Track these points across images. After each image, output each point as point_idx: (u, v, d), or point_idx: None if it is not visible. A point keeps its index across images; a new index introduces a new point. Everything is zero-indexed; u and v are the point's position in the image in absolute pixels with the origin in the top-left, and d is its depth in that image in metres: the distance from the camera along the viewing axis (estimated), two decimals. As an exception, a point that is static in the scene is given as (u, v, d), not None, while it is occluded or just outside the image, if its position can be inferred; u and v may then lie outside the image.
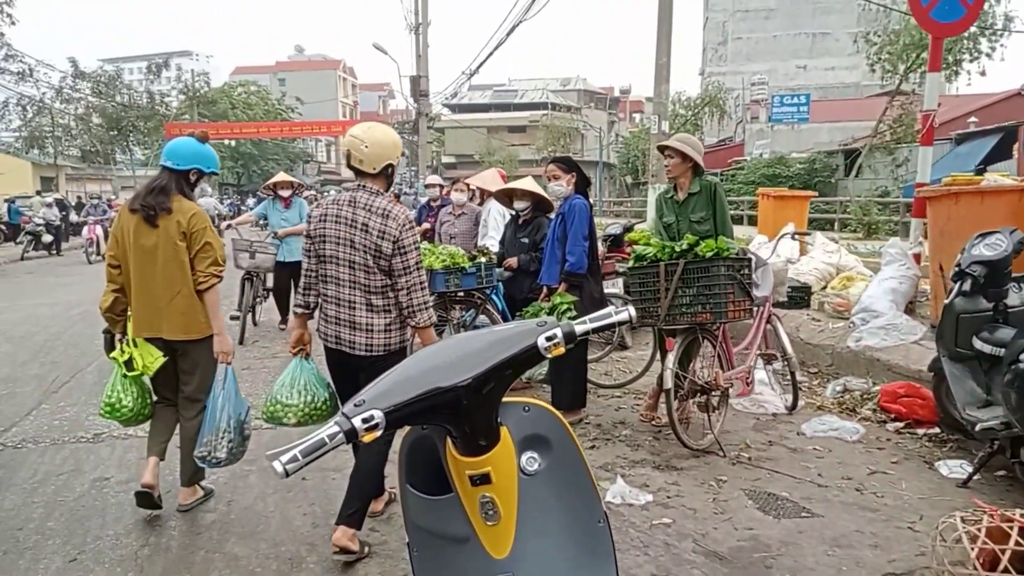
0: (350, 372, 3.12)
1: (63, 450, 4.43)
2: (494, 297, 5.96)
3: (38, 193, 25.32)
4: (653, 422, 4.80)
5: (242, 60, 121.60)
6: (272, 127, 38.83)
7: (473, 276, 5.53)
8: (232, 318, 7.20)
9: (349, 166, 3.08)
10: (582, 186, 5.05)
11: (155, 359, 3.35)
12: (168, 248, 3.27)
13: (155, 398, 3.56)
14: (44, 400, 5.51)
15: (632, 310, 1.57)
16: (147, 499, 3.36)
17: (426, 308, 3.07)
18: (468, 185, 7.29)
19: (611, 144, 51.18)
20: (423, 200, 16.98)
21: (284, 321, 8.12)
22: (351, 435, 1.25)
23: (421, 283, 3.05)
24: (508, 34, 20.03)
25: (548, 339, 1.40)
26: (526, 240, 5.80)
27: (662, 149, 4.60)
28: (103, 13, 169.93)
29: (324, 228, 3.05)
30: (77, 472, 4.07)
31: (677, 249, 4.10)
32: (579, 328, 1.47)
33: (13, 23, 15.90)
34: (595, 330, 1.51)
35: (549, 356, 1.42)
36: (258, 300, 8.09)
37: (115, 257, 3.36)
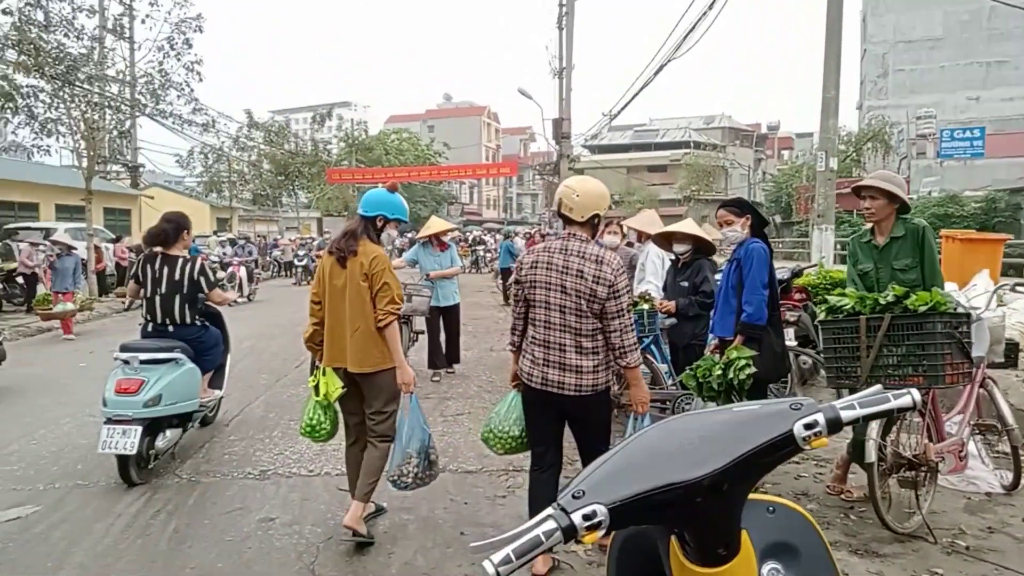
0: (550, 413, 3.31)
1: (232, 486, 4.55)
2: (653, 348, 5.63)
3: (214, 233, 27.89)
4: (842, 495, 4.23)
5: (396, 109, 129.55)
6: (421, 171, 40.66)
7: (636, 324, 5.22)
8: None
9: (559, 214, 3.27)
10: (759, 228, 4.64)
11: (336, 389, 3.65)
12: (353, 287, 3.60)
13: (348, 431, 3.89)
14: (215, 434, 5.76)
15: (916, 395, 1.22)
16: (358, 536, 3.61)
17: (636, 349, 3.19)
18: (622, 227, 7.04)
19: (760, 183, 49.19)
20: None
21: (435, 369, 7.91)
22: (569, 533, 1.02)
23: (632, 324, 3.18)
24: (656, 73, 19.73)
25: (807, 427, 1.11)
26: (686, 284, 5.49)
27: (859, 190, 4.10)
28: (275, 70, 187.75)
29: (535, 274, 3.22)
30: (244, 511, 4.13)
31: (881, 301, 3.60)
32: (846, 414, 1.15)
33: (200, 80, 17.50)
34: (866, 418, 1.18)
35: (808, 448, 1.12)
36: (411, 343, 8.10)
37: (316, 294, 3.77)
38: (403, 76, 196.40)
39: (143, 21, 16.98)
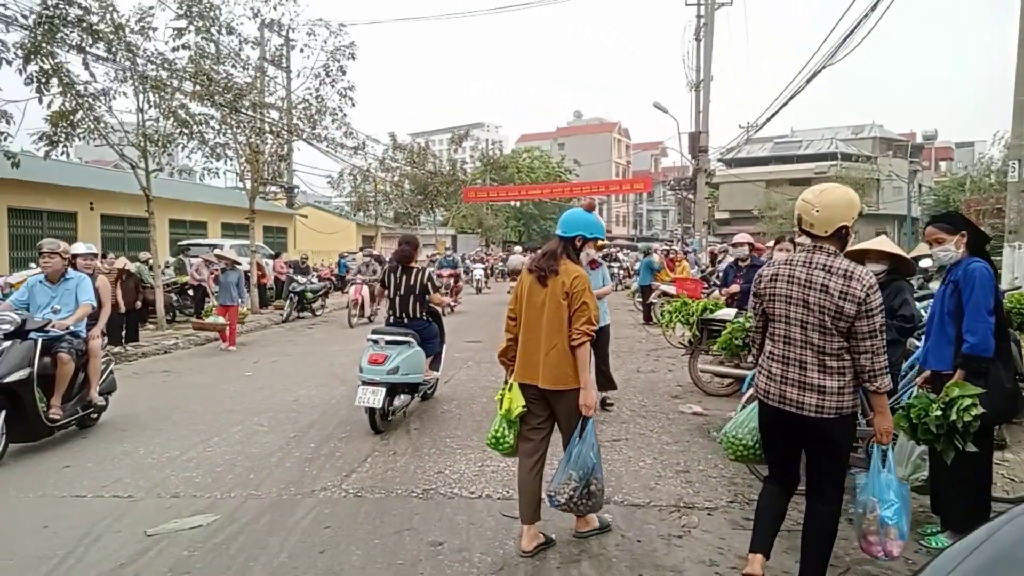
0: (787, 433, 3.14)
1: (397, 504, 4.48)
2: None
3: (360, 250, 29.25)
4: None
5: (527, 128, 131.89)
6: (553, 188, 40.78)
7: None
8: None
9: (801, 230, 3.09)
10: (978, 246, 4.03)
11: (518, 406, 3.70)
12: (553, 305, 3.65)
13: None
14: (377, 447, 5.77)
15: None
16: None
17: (886, 373, 2.95)
18: (794, 244, 6.49)
19: (917, 196, 45.40)
20: (709, 259, 16.13)
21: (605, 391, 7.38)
22: None
23: (884, 346, 2.95)
24: (808, 81, 18.62)
25: None
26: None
27: None
28: (416, 95, 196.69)
29: (775, 288, 3.11)
30: (412, 532, 4.02)
31: None
32: None
33: (353, 105, 18.39)
34: None
35: None
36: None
37: (513, 311, 3.87)
38: (534, 95, 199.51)
39: (301, 50, 18.10)
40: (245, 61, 16.64)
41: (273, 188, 27.58)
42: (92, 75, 12.99)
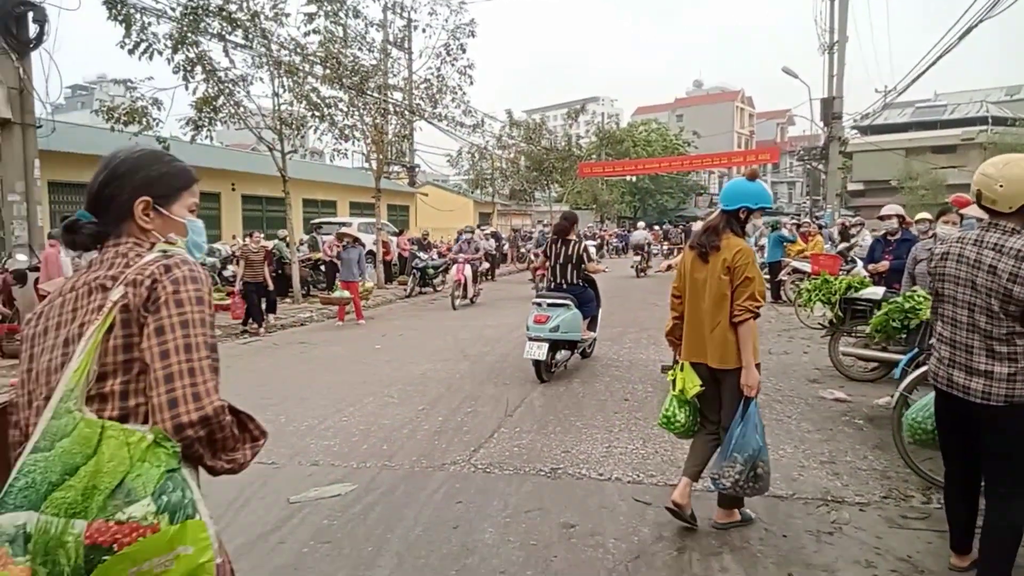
0: (959, 420, 3.00)
1: (526, 482, 4.45)
2: None
3: (478, 227, 29.65)
4: None
5: (644, 100, 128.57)
6: (672, 162, 39.58)
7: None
8: (665, 369, 6.74)
9: (980, 205, 2.89)
10: None
11: (693, 385, 3.64)
12: (714, 281, 3.54)
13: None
14: (503, 423, 5.79)
15: None
16: (677, 515, 3.65)
17: None
18: (961, 216, 5.86)
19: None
20: (855, 232, 15.05)
21: None
22: None
23: None
24: (960, 38, 16.92)
25: None
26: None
27: None
28: (533, 71, 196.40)
29: (944, 266, 2.99)
30: (543, 512, 3.98)
31: None
32: None
33: (472, 83, 18.51)
34: None
35: None
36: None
37: (677, 288, 3.81)
38: (651, 67, 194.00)
39: (423, 31, 18.38)
40: (371, 44, 17.09)
41: (396, 168, 28.40)
42: (232, 62, 13.79)
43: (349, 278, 12.52)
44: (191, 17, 12.55)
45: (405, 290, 17.31)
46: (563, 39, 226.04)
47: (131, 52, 12.13)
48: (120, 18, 11.75)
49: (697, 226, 20.34)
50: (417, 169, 30.81)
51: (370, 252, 18.66)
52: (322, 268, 16.48)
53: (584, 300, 7.66)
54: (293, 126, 15.49)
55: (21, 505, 1.27)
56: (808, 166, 48.01)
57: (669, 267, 6.91)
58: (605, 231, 39.55)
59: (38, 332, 1.52)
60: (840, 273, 10.07)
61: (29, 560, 1.25)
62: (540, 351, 7.03)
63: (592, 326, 8.07)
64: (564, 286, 7.59)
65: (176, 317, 1.41)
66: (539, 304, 7.32)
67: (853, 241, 14.02)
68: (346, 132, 16.89)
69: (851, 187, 51.44)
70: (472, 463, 4.83)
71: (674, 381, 3.75)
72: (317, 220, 21.61)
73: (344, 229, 14.22)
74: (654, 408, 6.16)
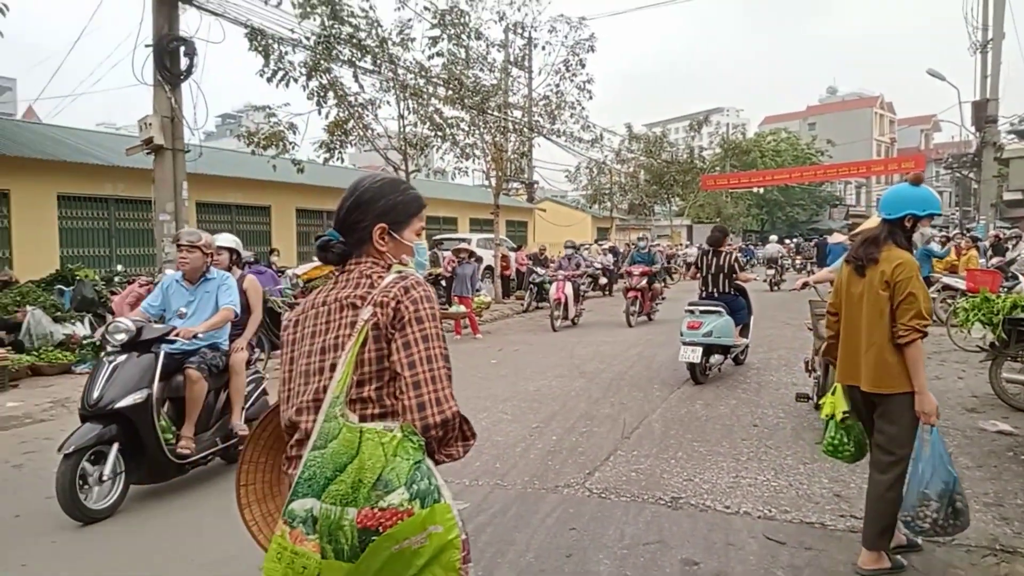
0: None
1: (644, 511, 4.18)
2: None
3: (595, 242, 29.37)
4: None
5: (771, 109, 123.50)
6: (804, 172, 37.65)
7: None
8: (800, 397, 6.25)
9: None
10: None
11: (839, 410, 3.43)
12: (871, 297, 3.26)
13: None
14: (619, 446, 5.53)
15: None
16: None
17: None
18: None
19: None
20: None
21: None
22: None
23: None
24: None
25: None
26: None
27: None
28: (654, 83, 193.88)
29: None
30: (663, 546, 3.70)
31: None
32: None
33: (591, 98, 18.39)
34: None
35: None
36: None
37: (834, 305, 3.57)
38: (780, 75, 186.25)
39: (543, 48, 18.47)
40: (491, 64, 17.37)
41: (515, 184, 28.70)
42: (361, 87, 14.42)
43: (463, 292, 12.66)
44: (324, 45, 13.22)
45: (522, 305, 17.33)
46: (686, 49, 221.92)
47: (269, 80, 12.93)
48: (260, 48, 12.56)
49: (833, 239, 19.08)
50: (536, 185, 30.99)
51: (488, 267, 18.88)
52: (442, 283, 16.81)
53: (736, 308, 8.02)
54: (417, 146, 15.97)
55: (307, 493, 1.57)
56: (957, 175, 44.14)
57: (805, 285, 6.22)
58: (729, 245, 38.09)
59: (297, 338, 1.82)
60: (1001, 290, 9.03)
61: (318, 538, 1.55)
62: (695, 355, 7.51)
63: (744, 332, 8.37)
64: (716, 295, 8.07)
65: (418, 333, 1.68)
66: (692, 311, 7.78)
67: (1014, 255, 12.61)
68: (467, 151, 17.23)
69: (1007, 196, 46.72)
70: (587, 487, 4.61)
71: (822, 405, 3.56)
72: (438, 236, 22.16)
73: (462, 245, 14.42)
74: (787, 436, 5.70)
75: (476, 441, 1.82)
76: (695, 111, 46.12)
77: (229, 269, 5.38)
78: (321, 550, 1.55)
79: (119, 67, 38.53)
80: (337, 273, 1.83)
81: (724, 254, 8.13)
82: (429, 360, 1.67)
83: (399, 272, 1.76)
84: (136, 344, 4.45)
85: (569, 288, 13.53)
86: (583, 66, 18.07)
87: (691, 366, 7.65)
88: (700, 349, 7.53)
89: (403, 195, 1.89)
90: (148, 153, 10.53)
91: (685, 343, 7.61)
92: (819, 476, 4.73)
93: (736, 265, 8.08)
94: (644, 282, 13.65)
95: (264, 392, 5.58)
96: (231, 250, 5.56)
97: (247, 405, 5.26)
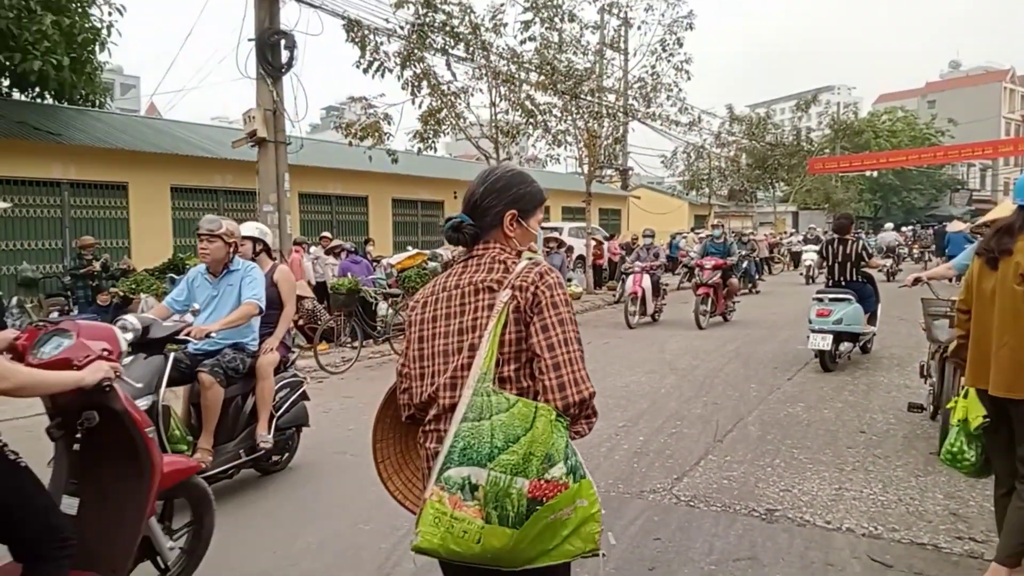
0: None
1: (736, 523, 3.93)
2: None
3: (691, 230, 28.49)
4: None
5: (887, 87, 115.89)
6: (921, 153, 35.08)
7: None
8: (913, 407, 5.67)
9: None
10: None
11: (976, 416, 3.12)
12: (1004, 293, 2.98)
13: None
14: (711, 450, 5.25)
15: None
16: None
17: None
18: None
19: None
20: None
21: None
22: None
23: None
24: None
25: None
26: None
27: None
28: (758, 62, 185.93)
29: None
30: (755, 563, 3.44)
31: None
32: None
33: (688, 79, 17.70)
34: None
35: None
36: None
37: (964, 302, 3.28)
38: (896, 49, 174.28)
39: (639, 28, 17.96)
40: (585, 47, 17.04)
41: (609, 171, 28.21)
42: (453, 75, 14.45)
43: None
44: (418, 34, 13.34)
45: (614, 296, 17.01)
46: (793, 24, 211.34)
47: (365, 71, 13.16)
48: (356, 40, 12.80)
49: (953, 227, 17.63)
50: (630, 171, 30.35)
51: (580, 257, 18.63)
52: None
53: (864, 295, 8.04)
54: (509, 134, 15.90)
55: (463, 462, 1.66)
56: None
57: (917, 280, 5.51)
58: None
59: (426, 318, 1.91)
60: None
61: (477, 504, 1.63)
62: (825, 342, 7.64)
63: (872, 320, 8.36)
64: (843, 283, 8.09)
65: (555, 317, 1.76)
66: (821, 299, 7.87)
67: None
68: (559, 137, 17.01)
69: None
70: (674, 493, 4.39)
71: (952, 409, 3.29)
72: (530, 225, 22.06)
73: (552, 234, 14.25)
74: (898, 445, 5.25)
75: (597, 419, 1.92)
76: (802, 90, 43.79)
77: (254, 260, 4.88)
78: (485, 515, 1.63)
79: (228, 62, 40.52)
80: (465, 258, 1.94)
81: (851, 241, 8.13)
82: (566, 343, 1.75)
83: (531, 259, 1.86)
84: (144, 344, 3.93)
85: (647, 281, 12.36)
86: (680, 45, 17.47)
87: (820, 353, 7.76)
88: (831, 336, 7.63)
89: (530, 186, 1.98)
90: (252, 145, 10.93)
91: (814, 331, 7.72)
92: (933, 491, 4.31)
93: (864, 252, 8.08)
94: (717, 276, 11.97)
95: (304, 396, 5.12)
96: (255, 239, 4.98)
97: (280, 413, 4.79)
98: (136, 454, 2.72)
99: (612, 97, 18.93)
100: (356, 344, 9.73)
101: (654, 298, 12.59)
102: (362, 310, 10.26)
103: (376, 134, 14.25)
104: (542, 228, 20.12)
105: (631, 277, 12.58)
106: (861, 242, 8.21)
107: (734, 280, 12.87)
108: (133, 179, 13.49)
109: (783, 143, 33.39)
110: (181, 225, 14.28)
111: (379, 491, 4.30)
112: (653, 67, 17.68)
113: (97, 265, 10.47)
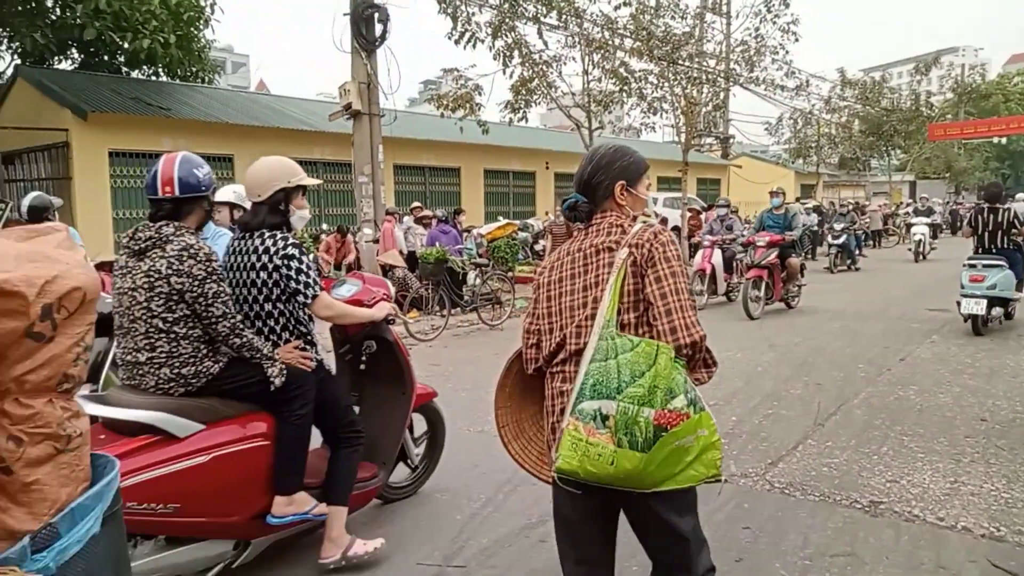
0: None
1: (834, 515, 3.63)
2: None
3: (797, 199, 27.05)
4: None
5: (1019, 47, 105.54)
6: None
7: None
8: None
9: None
10: None
11: None
12: None
13: None
14: (810, 434, 4.91)
15: None
16: None
17: None
18: None
19: None
20: None
21: None
22: None
23: None
24: None
25: None
26: None
27: None
28: (875, 21, 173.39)
29: None
30: (855, 560, 3.16)
31: None
32: None
33: (796, 40, 16.65)
34: None
35: None
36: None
37: None
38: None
39: (742, -13, 16.99)
40: (683, 11, 16.32)
41: (708, 140, 27.15)
42: (545, 43, 14.16)
43: None
44: (509, 3, 13.12)
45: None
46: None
47: (456, 42, 13.09)
48: (448, 11, 12.73)
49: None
50: (731, 139, 29.09)
51: (675, 228, 18.06)
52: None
53: (1013, 262, 8.20)
54: (601, 103, 15.48)
55: (594, 396, 1.87)
56: None
57: None
58: (960, 203, 33.22)
59: (553, 280, 2.15)
60: None
61: (609, 432, 1.83)
62: (979, 307, 7.91)
63: (1020, 288, 8.47)
64: (993, 250, 8.28)
65: (667, 269, 1.97)
66: (973, 265, 8.08)
67: None
68: (655, 105, 16.43)
69: None
70: (767, 479, 4.12)
71: None
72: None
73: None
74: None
75: (718, 368, 2.07)
76: (922, 53, 40.51)
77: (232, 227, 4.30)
78: (616, 440, 1.82)
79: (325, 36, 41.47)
80: (585, 226, 2.17)
81: (1002, 210, 8.30)
82: (677, 292, 1.94)
83: (644, 222, 2.10)
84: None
85: (718, 256, 11.08)
86: (787, 6, 16.43)
87: (973, 317, 8.03)
88: (984, 301, 7.88)
89: (632, 157, 2.19)
90: (347, 118, 11.11)
91: (966, 296, 7.98)
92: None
93: (1016, 220, 8.18)
94: (773, 256, 10.08)
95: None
96: (232, 205, 4.50)
97: None
98: (402, 376, 3.57)
99: (712, 62, 18.10)
100: (444, 313, 9.81)
101: (727, 275, 11.40)
102: (449, 279, 10.31)
103: (468, 105, 14.22)
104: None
105: (700, 252, 11.39)
106: (1013, 210, 8.31)
107: (794, 260, 10.54)
108: (239, 151, 14.06)
109: (900, 108, 31.05)
110: (282, 197, 14.76)
111: (456, 459, 4.33)
112: (757, 29, 16.76)
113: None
